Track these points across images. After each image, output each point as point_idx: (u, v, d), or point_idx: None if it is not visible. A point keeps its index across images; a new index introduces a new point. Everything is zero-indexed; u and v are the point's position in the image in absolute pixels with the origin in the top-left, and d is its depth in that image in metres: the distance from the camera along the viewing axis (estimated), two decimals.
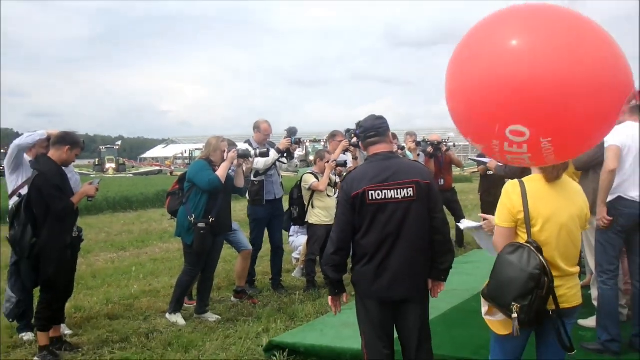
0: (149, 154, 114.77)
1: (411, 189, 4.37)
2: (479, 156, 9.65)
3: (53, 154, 6.21)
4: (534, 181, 3.84)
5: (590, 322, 6.08)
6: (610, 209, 5.66)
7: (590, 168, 6.16)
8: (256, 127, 8.78)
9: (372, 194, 4.35)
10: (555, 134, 3.21)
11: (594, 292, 6.02)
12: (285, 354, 5.86)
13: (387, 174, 4.40)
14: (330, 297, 4.64)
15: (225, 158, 7.24)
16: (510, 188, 3.85)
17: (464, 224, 4.37)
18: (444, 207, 10.56)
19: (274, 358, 5.84)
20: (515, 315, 3.54)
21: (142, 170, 67.69)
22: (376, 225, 4.39)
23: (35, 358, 6.05)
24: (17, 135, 7.18)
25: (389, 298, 4.44)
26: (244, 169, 7.74)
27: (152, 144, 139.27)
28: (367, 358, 4.55)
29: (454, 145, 12.90)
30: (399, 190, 4.37)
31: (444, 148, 11.26)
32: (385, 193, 4.36)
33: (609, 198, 5.66)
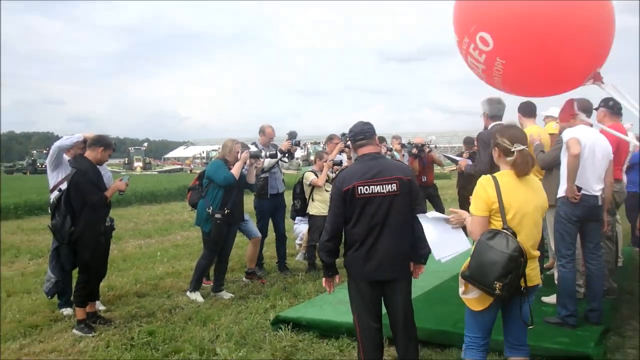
0: (172, 154, 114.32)
1: (394, 185, 4.42)
2: (458, 155, 9.72)
3: (89, 154, 6.26)
4: (505, 176, 3.87)
5: (552, 299, 6.15)
6: (567, 202, 5.72)
7: (553, 167, 6.18)
8: (261, 131, 8.80)
9: (360, 189, 4.40)
10: (511, 59, 3.08)
11: (556, 273, 6.04)
12: (289, 327, 5.87)
13: (374, 171, 4.45)
14: (324, 279, 4.69)
15: (238, 158, 7.26)
16: (485, 182, 3.87)
17: (431, 214, 4.39)
18: (427, 200, 10.65)
19: (280, 330, 5.86)
20: (498, 291, 3.57)
21: (165, 168, 68.00)
22: (365, 216, 4.43)
23: (74, 330, 6.08)
24: (57, 138, 7.24)
25: (377, 279, 4.49)
26: (255, 168, 7.77)
27: (174, 145, 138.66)
28: (359, 331, 4.58)
29: (435, 147, 12.93)
30: (384, 186, 4.42)
31: (427, 149, 11.31)
32: (372, 188, 4.41)
33: (565, 193, 5.72)
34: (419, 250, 4.61)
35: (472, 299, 3.79)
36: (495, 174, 3.92)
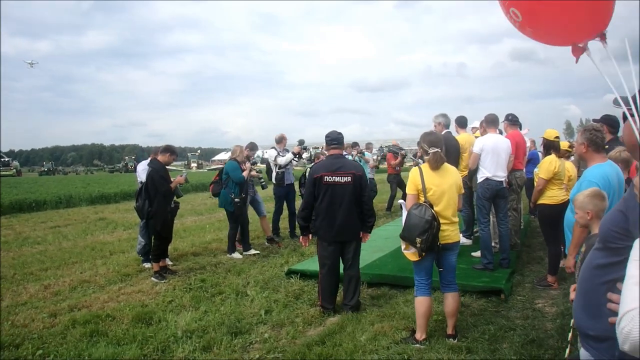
0: (216, 157, 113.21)
1: (349, 177, 4.55)
2: (414, 156, 9.84)
3: (161, 158, 6.28)
4: (426, 167, 3.82)
5: (477, 253, 6.07)
6: (481, 185, 5.80)
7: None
8: (281, 139, 8.58)
9: (326, 178, 4.54)
10: (537, 29, 2.55)
11: (480, 235, 6.00)
12: (298, 276, 5.80)
13: (336, 167, 4.57)
14: (301, 237, 4.83)
15: (244, 157, 7.33)
16: (414, 171, 3.87)
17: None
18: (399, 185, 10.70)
19: (291, 278, 5.78)
20: (418, 245, 3.60)
21: (212, 167, 67.79)
22: (327, 196, 4.55)
23: (152, 278, 6.04)
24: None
25: (336, 240, 4.61)
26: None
27: (218, 151, 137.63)
28: (321, 276, 4.70)
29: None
30: (342, 177, 4.54)
31: (401, 150, 11.59)
32: (333, 178, 4.53)
33: (481, 180, 5.80)
34: (366, 223, 4.72)
35: (410, 253, 3.75)
36: (421, 165, 3.88)
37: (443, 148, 3.83)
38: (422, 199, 3.74)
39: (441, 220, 3.69)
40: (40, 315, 4.79)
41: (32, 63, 78.61)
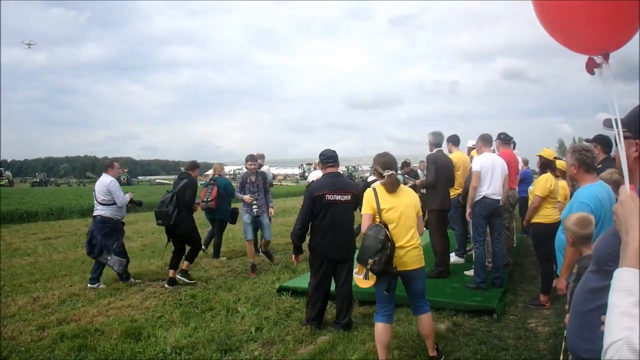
0: (209, 172, 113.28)
1: (349, 195, 4.57)
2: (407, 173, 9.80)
3: (192, 173, 6.76)
4: (381, 187, 3.67)
5: (470, 272, 6.05)
6: (478, 204, 5.77)
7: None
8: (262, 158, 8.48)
9: (328, 196, 4.52)
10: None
11: (474, 254, 6.00)
12: (289, 293, 5.77)
13: (337, 185, 4.59)
14: (294, 255, 4.79)
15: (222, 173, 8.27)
16: (368, 192, 3.72)
17: None
18: None
19: (283, 295, 5.75)
20: (369, 266, 3.40)
21: (203, 182, 67.22)
22: (328, 215, 4.54)
23: (166, 284, 6.05)
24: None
25: (335, 258, 4.61)
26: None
27: (211, 166, 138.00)
28: (310, 291, 4.71)
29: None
30: (342, 195, 4.55)
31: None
32: (334, 196, 4.53)
33: (478, 198, 5.76)
34: None
35: (359, 278, 3.54)
36: (375, 185, 3.73)
37: (397, 170, 3.77)
38: (377, 219, 3.58)
39: (398, 244, 3.52)
40: (28, 328, 4.74)
41: (31, 44, 78.87)
